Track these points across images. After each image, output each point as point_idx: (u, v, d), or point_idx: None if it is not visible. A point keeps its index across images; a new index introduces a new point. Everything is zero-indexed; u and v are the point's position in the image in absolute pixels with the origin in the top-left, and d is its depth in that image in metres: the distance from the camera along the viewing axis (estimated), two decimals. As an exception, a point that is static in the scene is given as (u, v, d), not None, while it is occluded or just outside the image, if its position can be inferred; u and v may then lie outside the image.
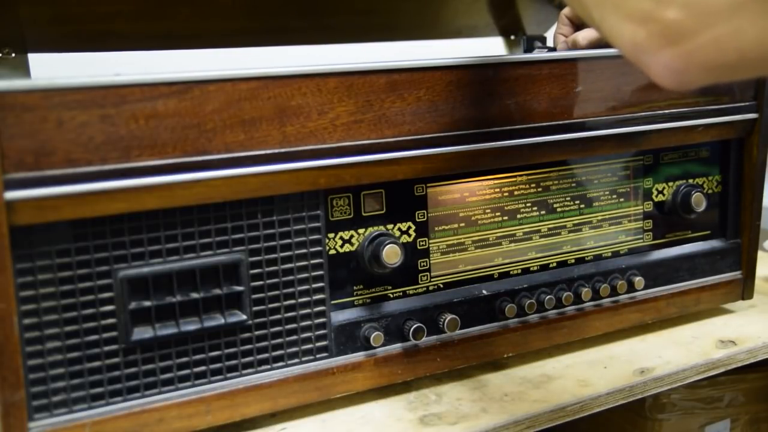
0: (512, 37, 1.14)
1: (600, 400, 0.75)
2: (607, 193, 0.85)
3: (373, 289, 0.74)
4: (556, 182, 0.81)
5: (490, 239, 0.79)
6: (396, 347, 0.74)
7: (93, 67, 1.05)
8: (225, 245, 0.65)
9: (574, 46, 0.85)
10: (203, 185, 0.63)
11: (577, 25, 0.90)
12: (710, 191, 0.90)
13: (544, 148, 0.77)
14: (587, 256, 0.84)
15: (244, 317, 0.66)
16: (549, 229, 0.82)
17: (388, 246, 0.70)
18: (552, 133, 0.77)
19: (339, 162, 0.67)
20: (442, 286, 0.77)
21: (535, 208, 0.81)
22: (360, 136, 0.68)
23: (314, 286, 0.69)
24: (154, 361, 0.64)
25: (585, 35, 0.85)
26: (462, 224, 0.77)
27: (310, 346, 0.70)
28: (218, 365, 0.67)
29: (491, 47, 1.16)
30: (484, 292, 0.78)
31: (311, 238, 0.69)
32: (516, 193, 0.80)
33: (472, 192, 0.77)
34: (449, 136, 0.72)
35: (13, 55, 0.85)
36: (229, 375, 0.67)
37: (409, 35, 1.10)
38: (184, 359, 0.65)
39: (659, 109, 0.82)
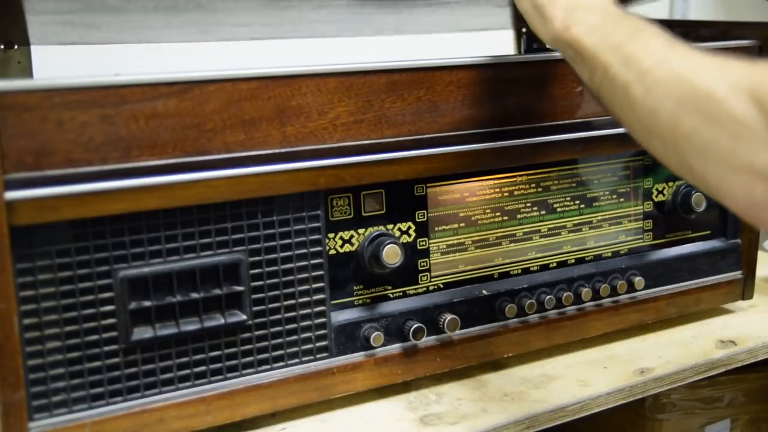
0: (524, 30, 1.12)
1: (600, 400, 0.75)
2: (607, 193, 0.85)
3: (373, 289, 0.74)
4: (556, 182, 0.81)
5: (490, 239, 0.79)
6: (396, 347, 0.74)
7: (99, 60, 1.04)
8: (225, 245, 0.65)
9: None
10: (203, 185, 0.63)
11: None
12: (710, 191, 0.90)
13: (544, 148, 0.77)
14: (587, 256, 0.84)
15: (244, 317, 0.66)
16: (549, 229, 0.82)
17: (388, 246, 0.70)
18: (552, 133, 0.77)
19: (339, 162, 0.67)
20: (442, 286, 0.77)
21: (535, 208, 0.81)
22: (360, 136, 0.68)
23: (314, 286, 0.69)
24: (154, 361, 0.64)
25: None
26: (462, 224, 0.77)
27: (310, 346, 0.70)
28: (218, 365, 0.67)
29: (497, 42, 1.16)
30: (484, 292, 0.78)
31: (311, 238, 0.69)
32: (516, 193, 0.80)
33: (472, 192, 0.77)
34: (449, 136, 0.72)
35: (16, 47, 0.84)
36: (229, 375, 0.67)
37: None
38: (184, 359, 0.65)
39: (659, 109, 0.82)
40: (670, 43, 0.56)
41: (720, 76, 0.50)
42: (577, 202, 0.83)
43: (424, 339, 0.74)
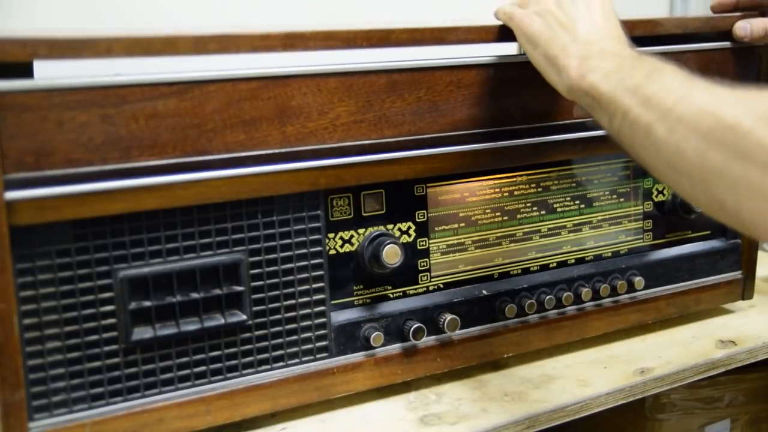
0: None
1: (600, 400, 0.75)
2: (607, 193, 0.85)
3: (373, 289, 0.74)
4: (556, 182, 0.81)
5: (490, 239, 0.79)
6: (396, 347, 0.74)
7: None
8: (225, 245, 0.65)
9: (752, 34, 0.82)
10: (203, 185, 0.63)
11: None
12: (710, 191, 0.90)
13: (544, 148, 0.77)
14: (587, 256, 0.84)
15: (244, 317, 0.66)
16: (549, 229, 0.82)
17: (388, 246, 0.70)
18: (552, 133, 0.77)
19: (339, 162, 0.67)
20: (442, 286, 0.77)
21: (535, 208, 0.81)
22: (360, 136, 0.68)
23: (314, 286, 0.69)
24: (154, 361, 0.64)
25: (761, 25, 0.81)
26: (462, 224, 0.77)
27: (310, 346, 0.70)
28: (218, 365, 0.67)
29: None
30: (484, 292, 0.78)
31: (311, 238, 0.69)
32: (516, 193, 0.80)
33: (472, 192, 0.77)
34: (449, 136, 0.72)
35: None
36: (229, 375, 0.67)
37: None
38: (184, 359, 0.65)
39: (659, 109, 0.82)
40: (689, 79, 0.55)
41: (745, 107, 0.49)
42: (577, 202, 0.83)
43: (424, 339, 0.74)
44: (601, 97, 0.60)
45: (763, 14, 0.85)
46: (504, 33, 0.72)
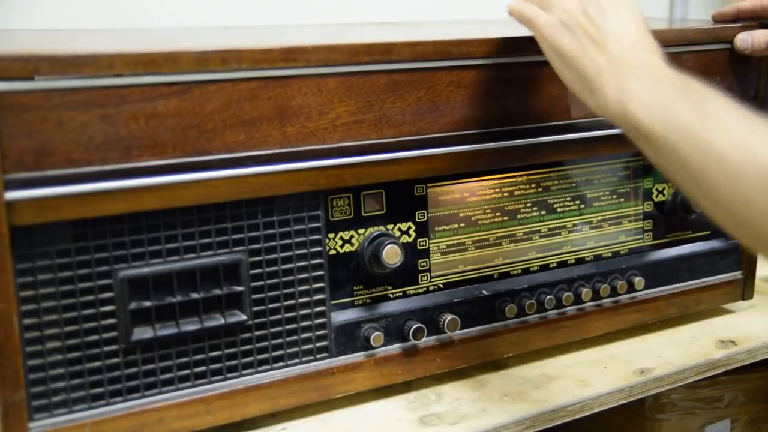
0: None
1: (600, 400, 0.75)
2: (607, 193, 0.85)
3: (373, 289, 0.74)
4: (556, 182, 0.81)
5: (490, 239, 0.79)
6: (396, 347, 0.74)
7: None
8: (225, 245, 0.65)
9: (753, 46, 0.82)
10: (203, 185, 0.63)
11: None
12: (710, 191, 0.90)
13: (544, 148, 0.77)
14: (587, 257, 0.84)
15: (244, 317, 0.66)
16: (549, 229, 0.82)
17: (388, 246, 0.70)
18: (552, 133, 0.77)
19: (339, 162, 0.67)
20: (442, 286, 0.77)
21: (535, 208, 0.81)
22: (360, 137, 0.68)
23: (314, 286, 0.69)
24: (154, 361, 0.64)
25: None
26: (462, 224, 0.77)
27: (310, 346, 0.70)
28: (218, 365, 0.67)
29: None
30: (484, 292, 0.78)
31: (311, 238, 0.69)
32: (516, 193, 0.80)
33: (472, 192, 0.77)
34: (449, 136, 0.72)
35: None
36: (229, 375, 0.67)
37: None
38: (184, 359, 0.65)
39: (659, 109, 0.82)
40: (741, 116, 0.53)
41: None
42: (577, 202, 0.83)
43: (424, 339, 0.74)
44: (647, 132, 0.57)
45: (763, 26, 0.84)
46: (508, 46, 0.71)
